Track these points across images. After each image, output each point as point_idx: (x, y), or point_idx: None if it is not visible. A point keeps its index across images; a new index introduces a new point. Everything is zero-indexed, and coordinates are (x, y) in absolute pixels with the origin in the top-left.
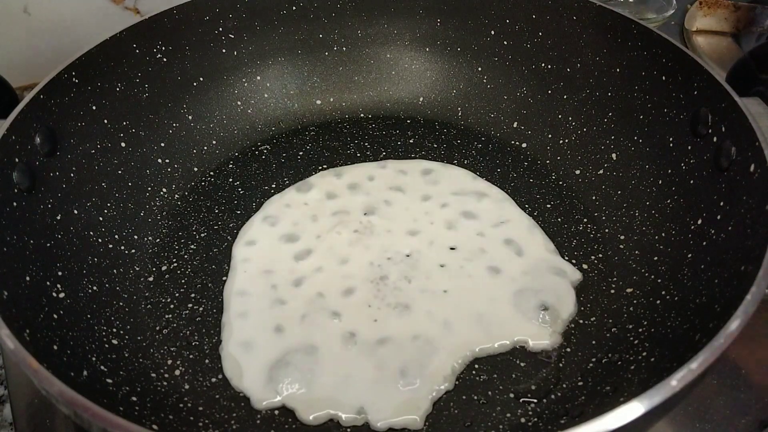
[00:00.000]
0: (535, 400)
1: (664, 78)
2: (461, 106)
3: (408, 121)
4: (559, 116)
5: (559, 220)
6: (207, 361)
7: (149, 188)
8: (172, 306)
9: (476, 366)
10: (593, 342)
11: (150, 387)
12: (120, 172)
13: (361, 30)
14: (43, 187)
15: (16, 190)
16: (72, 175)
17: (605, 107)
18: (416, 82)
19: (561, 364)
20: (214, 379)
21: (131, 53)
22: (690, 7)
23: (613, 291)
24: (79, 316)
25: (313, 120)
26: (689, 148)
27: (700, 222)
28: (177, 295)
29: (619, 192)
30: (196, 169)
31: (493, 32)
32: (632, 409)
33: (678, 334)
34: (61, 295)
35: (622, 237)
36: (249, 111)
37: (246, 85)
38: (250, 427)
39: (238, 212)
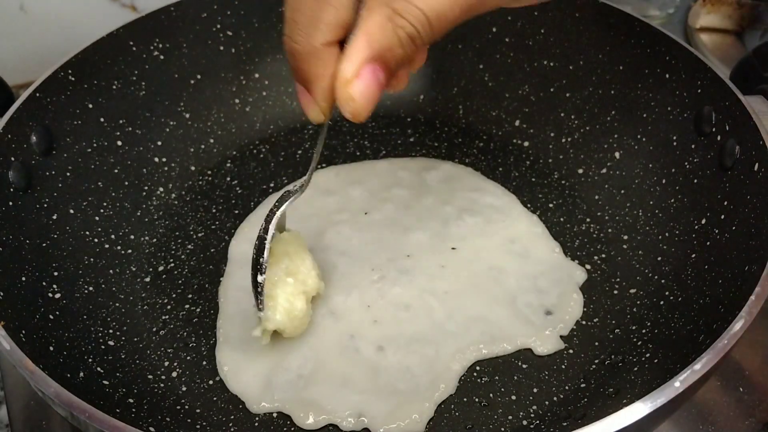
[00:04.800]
0: (537, 403)
1: (667, 76)
2: (462, 104)
3: (408, 119)
4: (562, 114)
5: (562, 219)
6: (204, 362)
7: (146, 187)
8: (168, 307)
9: (477, 368)
10: (596, 343)
11: (147, 389)
12: (116, 171)
13: None
14: (38, 186)
15: (11, 190)
16: (68, 174)
17: (608, 105)
18: (417, 79)
19: (563, 366)
20: (211, 381)
21: (128, 51)
22: (693, 4)
23: (616, 292)
24: (75, 317)
25: None
26: (693, 146)
27: (704, 222)
28: (174, 295)
29: (623, 191)
30: (193, 168)
31: (494, 29)
32: (635, 411)
33: (681, 335)
34: (57, 295)
35: (626, 237)
36: (247, 109)
37: (244, 83)
38: (248, 430)
39: (236, 212)
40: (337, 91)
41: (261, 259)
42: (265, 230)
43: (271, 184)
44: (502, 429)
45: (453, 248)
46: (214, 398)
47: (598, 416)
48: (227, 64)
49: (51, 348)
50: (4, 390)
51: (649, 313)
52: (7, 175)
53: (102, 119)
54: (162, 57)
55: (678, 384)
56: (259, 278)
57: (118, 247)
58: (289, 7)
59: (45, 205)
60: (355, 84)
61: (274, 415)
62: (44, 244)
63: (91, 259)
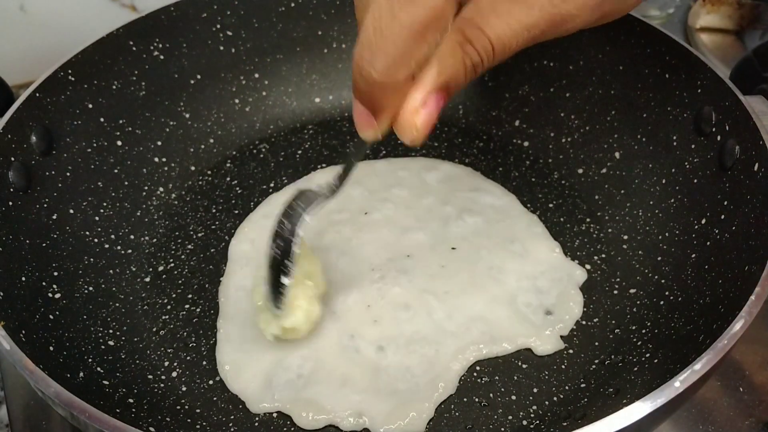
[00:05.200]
0: (537, 403)
1: (667, 76)
2: (462, 104)
3: None
4: (562, 114)
5: (562, 219)
6: (204, 363)
7: (146, 187)
8: (168, 307)
9: (477, 368)
10: (596, 343)
11: (147, 389)
12: (116, 171)
13: None
14: (38, 187)
15: (11, 190)
16: (68, 174)
17: (608, 105)
18: None
19: (563, 366)
20: (211, 381)
21: (128, 51)
22: (693, 4)
23: (616, 292)
24: (75, 317)
25: (312, 118)
26: (693, 146)
27: (703, 222)
28: (174, 296)
29: (623, 191)
30: (193, 168)
31: None
32: (635, 411)
33: (681, 335)
34: (57, 295)
35: (626, 237)
36: (247, 109)
37: (244, 82)
38: (248, 430)
39: (236, 212)
40: (404, 120)
41: (287, 261)
42: (291, 232)
43: (271, 184)
44: (502, 429)
45: (453, 248)
46: (214, 398)
47: (598, 416)
48: (227, 64)
49: (51, 348)
50: (4, 390)
51: (649, 313)
52: (7, 175)
53: (102, 119)
54: (162, 57)
55: (678, 384)
56: (285, 280)
57: (118, 247)
58: (377, 32)
59: (45, 205)
60: (421, 113)
61: (274, 415)
62: (44, 244)
63: (91, 259)
